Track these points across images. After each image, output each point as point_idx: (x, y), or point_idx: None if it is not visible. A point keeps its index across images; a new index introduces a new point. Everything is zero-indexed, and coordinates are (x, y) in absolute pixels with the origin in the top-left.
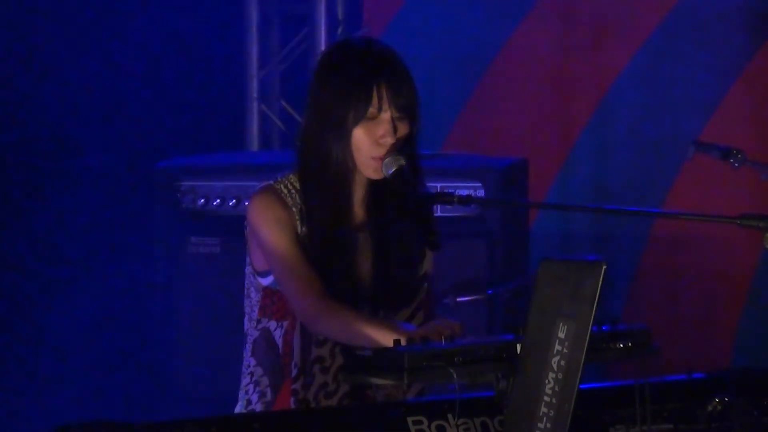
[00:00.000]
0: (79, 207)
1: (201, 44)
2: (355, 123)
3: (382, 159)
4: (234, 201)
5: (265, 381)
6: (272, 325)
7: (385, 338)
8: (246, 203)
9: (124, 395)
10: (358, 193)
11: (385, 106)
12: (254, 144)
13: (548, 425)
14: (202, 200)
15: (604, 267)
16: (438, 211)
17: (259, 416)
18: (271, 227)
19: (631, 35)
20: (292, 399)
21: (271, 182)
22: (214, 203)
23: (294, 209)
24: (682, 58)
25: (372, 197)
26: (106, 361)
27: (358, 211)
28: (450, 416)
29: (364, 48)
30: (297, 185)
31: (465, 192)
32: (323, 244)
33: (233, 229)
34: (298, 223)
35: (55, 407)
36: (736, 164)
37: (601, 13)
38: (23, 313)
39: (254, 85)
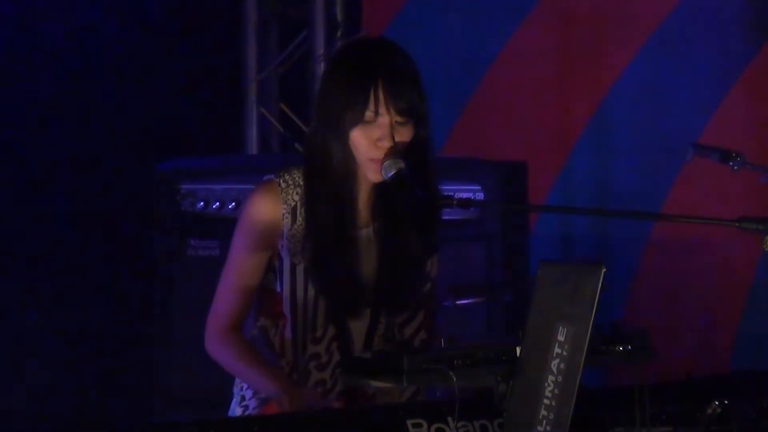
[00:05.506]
0: (78, 209)
1: (199, 47)
2: (353, 125)
3: (381, 162)
4: (233, 204)
5: None
6: (268, 323)
7: (265, 386)
8: None
9: (123, 397)
10: (364, 194)
11: (383, 109)
12: (253, 147)
13: (548, 428)
14: (202, 203)
15: (604, 269)
16: None
17: (257, 419)
18: (243, 232)
19: (630, 37)
20: None
21: (273, 176)
22: (214, 206)
23: (285, 206)
24: (681, 59)
25: (377, 198)
26: (104, 362)
27: (363, 211)
28: (449, 419)
29: (365, 47)
30: (300, 181)
31: (464, 195)
32: (325, 243)
33: (232, 231)
34: (288, 220)
35: (53, 407)
36: (736, 167)
37: (600, 14)
38: (18, 313)
39: (253, 88)
